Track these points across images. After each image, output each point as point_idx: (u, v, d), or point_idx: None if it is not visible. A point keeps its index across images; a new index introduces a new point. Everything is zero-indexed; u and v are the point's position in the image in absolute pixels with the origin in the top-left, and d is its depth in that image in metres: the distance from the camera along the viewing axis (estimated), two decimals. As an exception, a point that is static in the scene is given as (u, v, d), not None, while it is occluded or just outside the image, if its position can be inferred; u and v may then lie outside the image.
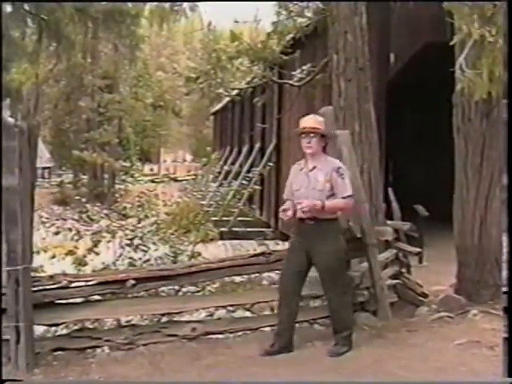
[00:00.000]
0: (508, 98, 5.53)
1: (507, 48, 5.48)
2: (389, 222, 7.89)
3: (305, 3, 13.11)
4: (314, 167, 5.51)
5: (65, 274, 5.82)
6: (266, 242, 11.61)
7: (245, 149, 24.36)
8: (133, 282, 5.65)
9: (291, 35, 13.25)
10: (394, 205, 9.38)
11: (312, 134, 5.47)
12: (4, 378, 4.75)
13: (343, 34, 8.23)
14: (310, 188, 5.45)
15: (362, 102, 8.17)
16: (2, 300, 5.24)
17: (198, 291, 7.85)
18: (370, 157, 8.12)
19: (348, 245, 6.16)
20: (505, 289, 5.19)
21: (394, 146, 13.64)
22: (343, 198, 5.43)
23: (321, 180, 5.43)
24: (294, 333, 5.63)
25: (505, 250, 5.86)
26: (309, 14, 12.94)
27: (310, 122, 5.57)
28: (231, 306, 6.74)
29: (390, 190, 9.36)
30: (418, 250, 8.54)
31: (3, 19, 13.73)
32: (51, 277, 5.62)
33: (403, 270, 7.66)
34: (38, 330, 5.76)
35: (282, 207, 5.54)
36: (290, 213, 5.46)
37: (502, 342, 4.64)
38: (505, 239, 5.77)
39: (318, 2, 12.47)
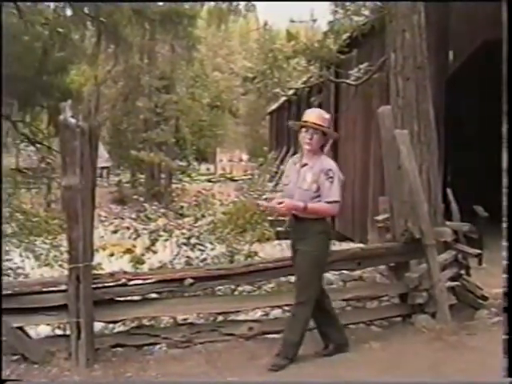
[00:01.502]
0: (508, 99, 5.39)
1: (507, 48, 5.35)
2: (448, 222, 7.76)
3: (361, 2, 13.01)
4: (305, 165, 5.27)
5: (124, 272, 5.90)
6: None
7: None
8: (191, 280, 5.69)
9: (348, 34, 13.15)
10: (453, 205, 9.21)
11: (314, 130, 5.21)
12: (17, 377, 4.82)
13: (401, 32, 8.14)
14: (297, 186, 5.23)
15: (421, 100, 8.06)
16: (1, 300, 5.33)
17: (254, 291, 7.87)
18: (429, 157, 8.00)
19: (407, 246, 6.11)
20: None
21: (453, 146, 13.40)
22: (328, 202, 5.15)
23: (308, 180, 5.19)
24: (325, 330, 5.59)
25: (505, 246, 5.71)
26: (366, 13, 12.82)
27: (313, 116, 5.29)
28: (287, 305, 6.73)
29: (448, 191, 9.19)
30: (478, 251, 8.36)
31: (64, 23, 14.06)
32: (111, 274, 5.72)
33: (462, 272, 7.52)
34: (97, 326, 5.85)
35: (264, 197, 5.38)
36: (266, 204, 5.43)
37: (502, 342, 4.54)
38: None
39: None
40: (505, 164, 5.61)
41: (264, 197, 5.30)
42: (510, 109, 5.37)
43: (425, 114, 8.06)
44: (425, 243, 6.11)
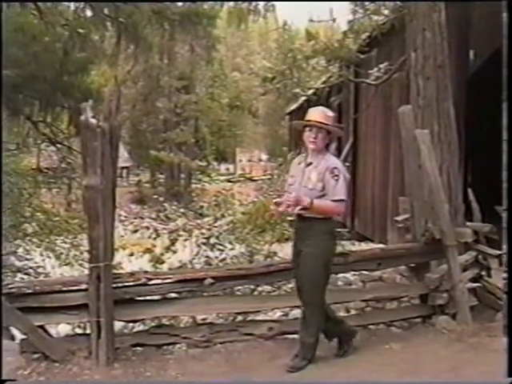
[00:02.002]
0: (508, 98, 5.33)
1: (507, 48, 5.29)
2: (468, 223, 7.70)
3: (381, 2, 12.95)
4: (310, 163, 5.19)
5: (145, 272, 5.93)
6: (342, 242, 11.54)
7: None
8: (211, 280, 5.69)
9: (367, 33, 13.10)
10: (474, 206, 9.14)
11: (318, 129, 5.13)
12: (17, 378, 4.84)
13: (421, 31, 8.09)
14: (302, 185, 5.15)
15: (441, 100, 8.01)
16: (1, 300, 5.36)
17: (274, 291, 7.87)
18: (450, 156, 7.95)
19: (427, 246, 6.08)
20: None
21: (473, 146, 13.30)
22: (333, 200, 5.07)
23: (313, 179, 5.10)
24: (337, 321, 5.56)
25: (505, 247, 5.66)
26: (385, 12, 12.77)
27: (318, 115, 5.20)
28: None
29: (469, 191, 9.12)
30: (499, 252, 8.29)
31: (84, 23, 14.14)
32: (132, 274, 5.74)
33: (483, 273, 7.46)
34: (116, 326, 5.88)
35: (274, 200, 5.26)
36: (281, 208, 5.11)
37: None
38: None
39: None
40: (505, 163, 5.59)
41: (274, 201, 5.12)
42: (511, 110, 5.33)
43: (445, 113, 8.01)
44: (445, 244, 6.07)
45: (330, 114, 5.25)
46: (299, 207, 5.00)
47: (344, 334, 5.52)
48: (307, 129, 5.19)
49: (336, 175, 5.09)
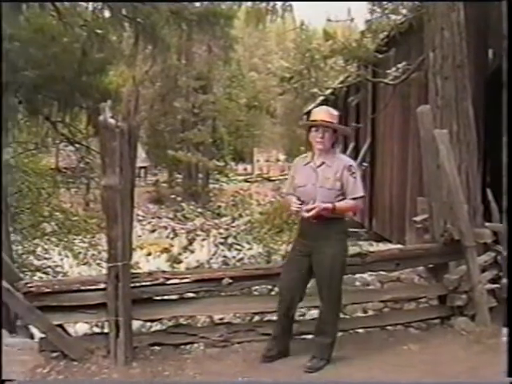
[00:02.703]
0: (508, 97, 5.28)
1: (507, 48, 5.25)
2: (487, 223, 7.65)
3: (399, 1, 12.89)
4: (323, 163, 5.13)
5: (163, 272, 5.94)
6: (360, 242, 11.51)
7: (338, 148, 24.17)
8: (229, 280, 5.69)
9: (385, 33, 13.06)
10: (493, 206, 9.09)
11: (325, 128, 5.10)
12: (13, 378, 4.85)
13: (440, 31, 8.04)
14: (318, 186, 5.07)
15: (460, 100, 7.96)
16: (2, 300, 5.37)
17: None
18: (468, 156, 7.90)
19: (446, 247, 6.04)
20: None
21: (492, 145, 13.22)
22: (354, 198, 5.09)
23: (331, 178, 5.05)
24: (291, 337, 5.51)
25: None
26: (404, 11, 12.71)
27: (323, 114, 5.17)
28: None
29: (488, 191, 9.07)
30: (519, 252, 8.23)
31: (102, 24, 14.21)
32: (150, 274, 5.75)
33: (502, 274, 7.41)
34: (134, 325, 5.89)
35: (296, 202, 5.09)
36: (308, 214, 5.01)
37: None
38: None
39: (413, -1, 12.24)
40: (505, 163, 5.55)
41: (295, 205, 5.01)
42: (510, 110, 5.30)
43: (464, 113, 7.96)
44: (464, 244, 6.03)
45: (335, 112, 5.24)
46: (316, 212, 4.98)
47: (286, 346, 5.47)
48: (313, 129, 5.17)
49: (353, 172, 5.10)
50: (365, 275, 7.63)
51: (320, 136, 5.11)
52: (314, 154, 5.23)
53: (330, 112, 5.21)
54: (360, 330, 6.14)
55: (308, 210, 4.97)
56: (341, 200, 5.08)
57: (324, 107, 5.39)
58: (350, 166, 5.13)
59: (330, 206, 4.95)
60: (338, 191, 5.07)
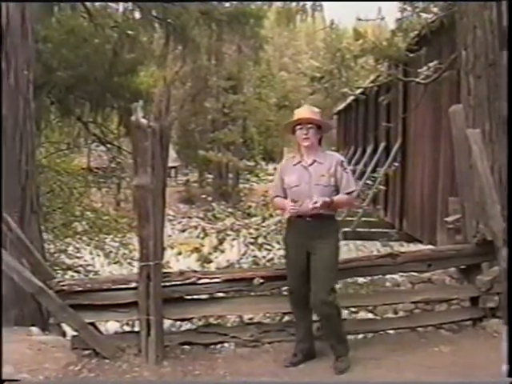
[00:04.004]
0: (508, 96, 5.20)
1: (507, 48, 5.17)
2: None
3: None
4: (314, 161, 5.17)
5: (194, 271, 5.96)
6: (390, 243, 11.42)
7: (369, 148, 24.05)
8: (261, 280, 5.69)
9: (416, 32, 12.96)
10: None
11: (309, 125, 5.14)
12: (6, 377, 4.87)
13: (472, 29, 7.98)
14: (314, 184, 5.10)
15: (493, 99, 7.89)
16: (2, 300, 5.39)
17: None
18: (501, 156, 7.81)
19: (478, 248, 5.98)
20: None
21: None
22: (348, 193, 5.15)
23: (325, 175, 5.10)
24: (313, 339, 5.49)
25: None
26: (435, 10, 12.60)
27: (305, 112, 5.25)
28: (354, 307, 6.70)
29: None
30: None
31: (133, 25, 14.33)
32: (181, 273, 5.77)
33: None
34: (164, 324, 5.93)
35: (290, 204, 5.09)
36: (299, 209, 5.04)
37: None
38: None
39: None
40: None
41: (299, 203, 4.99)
42: (511, 109, 5.23)
43: (497, 112, 7.87)
44: (497, 245, 5.96)
45: (316, 110, 5.32)
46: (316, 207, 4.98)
47: (310, 348, 5.48)
48: (297, 127, 5.22)
49: (345, 168, 5.21)
50: (395, 276, 7.58)
51: (305, 133, 5.16)
52: (302, 154, 5.27)
53: (312, 110, 5.31)
54: (390, 331, 6.09)
55: (314, 203, 4.96)
56: (335, 195, 5.14)
57: (306, 106, 5.54)
58: (342, 161, 5.23)
59: (328, 199, 5.01)
60: (333, 187, 5.14)
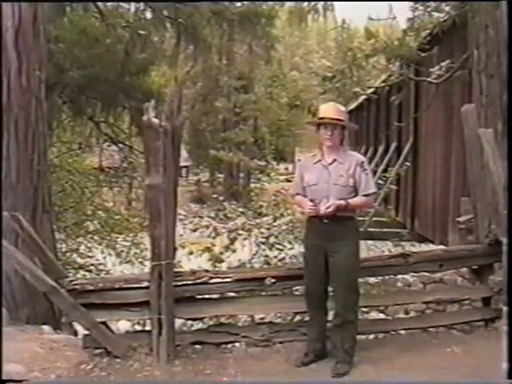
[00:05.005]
0: (508, 96, 5.15)
1: (507, 48, 5.13)
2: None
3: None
4: (335, 160, 5.10)
5: (206, 271, 5.96)
6: (402, 243, 11.40)
7: (381, 148, 23.95)
8: (272, 280, 5.68)
9: (428, 31, 12.90)
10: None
11: (333, 126, 5.06)
12: (5, 378, 4.87)
13: (484, 28, 7.93)
14: (332, 183, 5.04)
15: (505, 98, 7.84)
16: (2, 299, 5.39)
17: (333, 291, 7.82)
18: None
19: (490, 248, 5.95)
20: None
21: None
22: (366, 195, 5.08)
23: (344, 175, 5.03)
24: (326, 339, 5.43)
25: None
26: (446, 9, 12.53)
27: (331, 111, 5.13)
28: (365, 307, 6.68)
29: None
30: None
31: (144, 25, 14.36)
32: (193, 272, 5.77)
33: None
34: (175, 323, 5.94)
35: (308, 204, 5.06)
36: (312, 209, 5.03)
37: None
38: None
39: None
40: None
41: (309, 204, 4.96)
42: (511, 109, 5.19)
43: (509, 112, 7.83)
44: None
45: (342, 108, 5.26)
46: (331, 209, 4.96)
47: (321, 349, 5.44)
48: (322, 126, 5.14)
49: (365, 169, 5.13)
50: (407, 276, 7.57)
51: (329, 134, 5.08)
52: (323, 152, 5.20)
53: (338, 108, 5.21)
54: (402, 332, 6.08)
55: (327, 208, 4.93)
56: (353, 197, 5.08)
57: (331, 103, 5.37)
58: (362, 162, 5.13)
59: (343, 202, 4.95)
60: (352, 188, 5.07)
